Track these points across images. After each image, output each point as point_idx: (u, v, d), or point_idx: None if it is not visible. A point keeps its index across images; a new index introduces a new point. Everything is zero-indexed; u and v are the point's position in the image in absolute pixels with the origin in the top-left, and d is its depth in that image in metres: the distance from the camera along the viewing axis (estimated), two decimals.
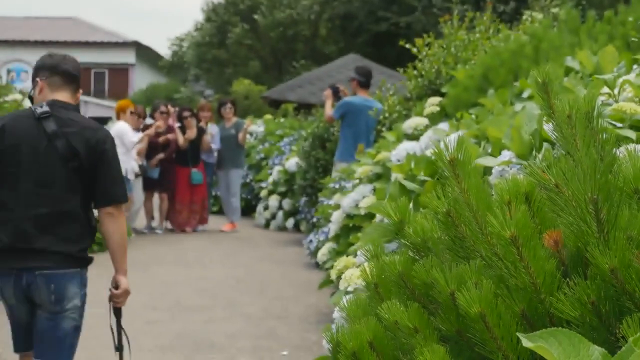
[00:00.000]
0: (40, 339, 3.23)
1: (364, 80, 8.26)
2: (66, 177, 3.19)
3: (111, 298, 3.37)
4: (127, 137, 9.35)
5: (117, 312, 3.46)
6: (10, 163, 3.19)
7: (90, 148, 3.19)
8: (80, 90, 3.44)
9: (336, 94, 8.78)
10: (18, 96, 11.31)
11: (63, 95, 3.30)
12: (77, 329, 3.27)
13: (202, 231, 10.99)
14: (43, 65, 3.35)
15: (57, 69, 3.31)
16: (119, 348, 3.50)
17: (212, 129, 11.31)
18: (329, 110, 8.62)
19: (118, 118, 10.49)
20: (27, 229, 3.14)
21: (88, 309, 6.37)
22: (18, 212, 3.16)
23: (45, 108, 3.21)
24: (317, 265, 7.22)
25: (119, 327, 3.48)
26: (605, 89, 3.00)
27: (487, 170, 2.62)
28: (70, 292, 3.18)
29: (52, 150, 3.18)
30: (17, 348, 3.35)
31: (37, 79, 3.32)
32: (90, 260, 3.30)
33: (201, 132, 11.03)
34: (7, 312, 3.29)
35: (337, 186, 6.55)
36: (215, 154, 11.40)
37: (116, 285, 3.34)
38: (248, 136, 14.63)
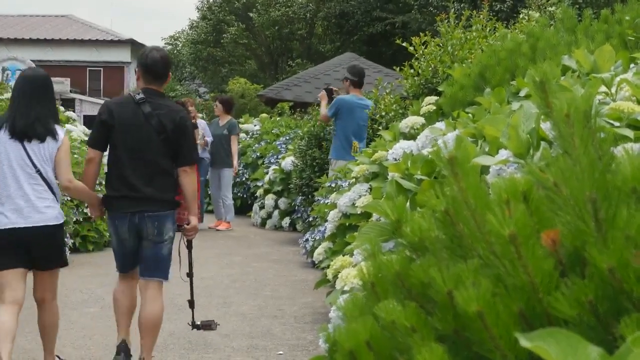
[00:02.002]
0: (146, 262, 4.41)
1: (357, 80, 8.32)
2: (157, 146, 4.35)
3: (184, 232, 4.56)
4: None
5: (189, 245, 4.69)
6: (119, 135, 4.37)
7: (175, 125, 4.37)
8: (169, 78, 4.64)
9: (330, 95, 8.84)
10: None
11: (154, 85, 4.48)
12: (170, 252, 4.47)
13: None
14: (140, 63, 4.52)
15: (149, 69, 4.48)
16: (189, 274, 4.76)
17: (200, 124, 11.29)
18: (323, 110, 8.68)
19: None
20: (135, 183, 4.33)
21: (83, 308, 6.36)
22: (128, 171, 4.35)
23: (142, 95, 4.41)
24: (313, 265, 7.21)
25: (190, 256, 4.74)
26: (603, 88, 3.00)
27: (484, 170, 2.61)
28: (167, 227, 4.39)
29: (148, 127, 4.35)
30: (124, 269, 4.53)
31: (136, 70, 4.63)
32: (178, 204, 4.49)
33: (193, 127, 11.01)
34: (116, 245, 4.48)
35: (333, 185, 6.55)
36: (208, 147, 11.40)
37: (188, 222, 4.52)
38: (244, 135, 14.63)
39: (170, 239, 4.42)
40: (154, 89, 4.47)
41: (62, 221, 4.36)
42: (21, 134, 4.29)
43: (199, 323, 4.77)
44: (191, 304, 4.76)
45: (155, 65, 4.46)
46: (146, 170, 4.35)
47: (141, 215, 4.32)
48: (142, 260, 4.42)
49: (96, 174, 4.56)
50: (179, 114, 4.44)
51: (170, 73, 4.65)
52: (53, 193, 4.34)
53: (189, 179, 4.42)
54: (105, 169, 4.61)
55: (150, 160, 4.35)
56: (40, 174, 4.28)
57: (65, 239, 6.36)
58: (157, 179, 4.36)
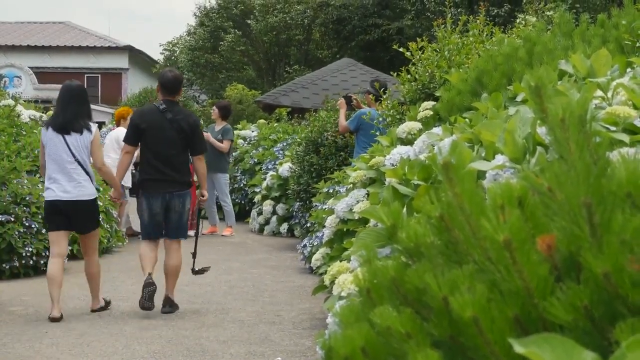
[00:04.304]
0: (172, 227, 6.15)
1: (379, 95, 8.39)
2: (178, 143, 6.09)
3: (199, 203, 6.66)
4: None
5: (200, 210, 7.67)
6: (149, 136, 6.10)
7: (190, 126, 6.14)
8: (181, 91, 6.38)
9: (349, 103, 8.90)
10: (10, 102, 11.25)
11: (170, 97, 6.22)
12: (187, 219, 6.26)
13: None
14: (159, 81, 6.28)
15: (165, 86, 6.20)
16: (196, 234, 6.89)
17: None
18: (343, 120, 8.73)
19: (118, 125, 10.49)
20: (164, 170, 6.07)
21: (81, 315, 6.32)
22: (157, 162, 6.08)
23: (164, 105, 6.14)
24: (311, 271, 7.20)
25: (199, 219, 7.42)
26: (599, 93, 3.00)
27: (481, 175, 2.61)
28: (187, 201, 6.19)
29: (171, 129, 6.07)
30: (149, 237, 6.17)
31: (157, 86, 6.36)
32: (192, 184, 6.37)
33: None
34: (147, 217, 6.13)
35: (331, 191, 6.54)
36: None
37: (202, 194, 6.43)
38: (242, 141, 14.60)
39: (188, 209, 6.22)
40: (170, 100, 6.18)
41: (95, 196, 6.03)
42: (62, 129, 5.85)
43: (197, 269, 6.59)
44: (193, 255, 6.62)
45: (169, 83, 6.18)
46: (170, 161, 6.05)
47: (170, 194, 6.05)
48: (169, 226, 6.11)
49: (129, 163, 6.28)
50: (192, 118, 6.26)
51: (182, 87, 6.36)
52: (88, 174, 5.90)
53: (201, 164, 6.26)
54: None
55: (173, 154, 6.05)
56: (78, 161, 5.84)
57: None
58: (178, 166, 6.08)
